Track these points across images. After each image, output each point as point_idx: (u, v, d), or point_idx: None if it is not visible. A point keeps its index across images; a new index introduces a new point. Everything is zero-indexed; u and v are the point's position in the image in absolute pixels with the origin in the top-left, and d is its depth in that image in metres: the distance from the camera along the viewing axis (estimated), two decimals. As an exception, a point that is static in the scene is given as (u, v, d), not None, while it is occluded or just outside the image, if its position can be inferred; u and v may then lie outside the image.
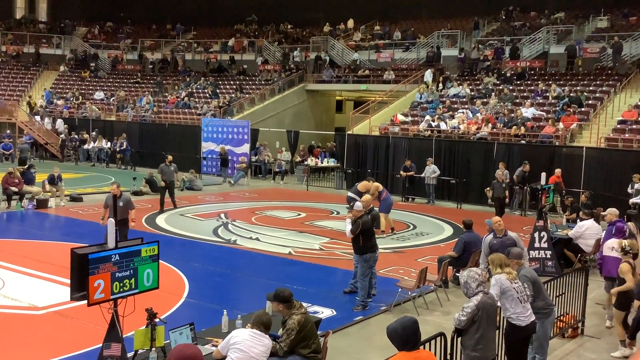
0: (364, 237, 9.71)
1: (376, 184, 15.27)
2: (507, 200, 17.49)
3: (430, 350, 6.25)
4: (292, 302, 6.31)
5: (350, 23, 36.75)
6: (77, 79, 37.84)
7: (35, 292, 10.05)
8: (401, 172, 21.31)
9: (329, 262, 12.81)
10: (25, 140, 27.97)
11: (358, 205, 10.19)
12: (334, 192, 23.44)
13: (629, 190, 16.83)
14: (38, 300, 9.59)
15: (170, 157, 18.71)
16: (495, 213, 16.12)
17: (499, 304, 6.66)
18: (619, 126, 20.66)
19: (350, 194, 15.43)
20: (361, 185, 15.17)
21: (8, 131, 31.09)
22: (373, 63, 32.25)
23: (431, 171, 20.72)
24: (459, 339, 6.34)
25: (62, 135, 30.75)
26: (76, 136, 30.66)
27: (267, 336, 5.83)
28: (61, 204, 18.24)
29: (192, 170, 23.89)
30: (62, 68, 38.52)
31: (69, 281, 5.67)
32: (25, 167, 19.42)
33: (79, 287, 5.53)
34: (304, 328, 6.17)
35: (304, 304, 9.11)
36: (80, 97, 34.76)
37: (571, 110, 21.84)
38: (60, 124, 31.53)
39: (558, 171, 18.21)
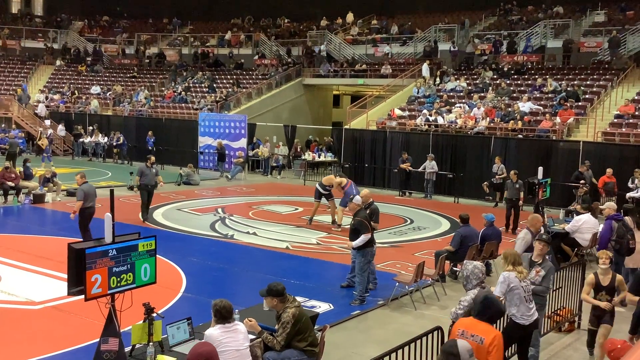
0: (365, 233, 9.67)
1: (339, 179, 15.78)
2: (521, 202, 15.79)
3: (426, 344, 6.28)
4: (286, 295, 6.31)
5: (350, 17, 36.68)
6: (74, 73, 37.74)
7: (32, 287, 10.04)
8: (400, 166, 21.33)
9: (326, 257, 12.82)
10: (14, 135, 27.85)
11: (357, 198, 10.21)
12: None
13: (630, 184, 16.85)
14: (35, 295, 9.58)
15: (152, 159, 16.22)
16: (506, 215, 15.63)
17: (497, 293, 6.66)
18: (615, 120, 20.68)
19: (317, 186, 16.22)
20: (325, 179, 16.18)
21: (3, 125, 31.00)
22: (370, 57, 32.21)
23: (431, 166, 20.75)
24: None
25: (41, 129, 30.57)
26: (50, 130, 30.32)
27: (237, 322, 5.82)
28: (57, 199, 18.21)
29: (191, 164, 23.86)
30: (58, 62, 38.40)
31: (66, 276, 5.67)
32: (23, 162, 19.34)
33: (76, 281, 5.53)
34: (299, 321, 6.18)
35: (301, 298, 9.15)
36: (76, 91, 34.66)
37: (568, 104, 21.85)
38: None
39: (609, 171, 17.57)
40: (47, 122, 31.35)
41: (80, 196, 12.22)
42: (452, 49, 29.47)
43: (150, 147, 27.28)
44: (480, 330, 5.12)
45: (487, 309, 5.26)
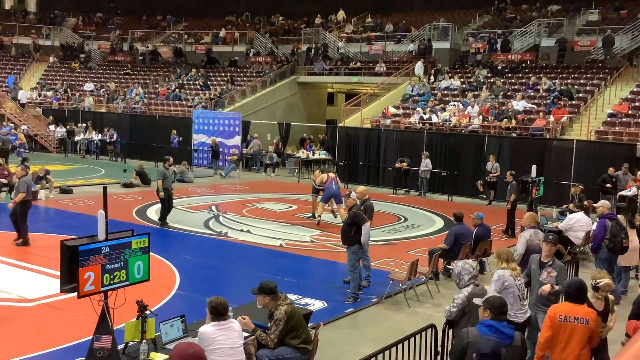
0: (355, 228, 9.67)
1: (322, 175, 16.25)
2: (508, 205, 14.96)
3: (420, 342, 6.29)
4: (278, 293, 6.31)
5: (340, 15, 36.66)
6: (67, 70, 37.58)
7: (25, 284, 10.01)
8: (397, 165, 21.40)
9: (320, 255, 12.82)
10: (7, 132, 27.66)
11: (354, 194, 10.20)
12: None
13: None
14: (28, 292, 9.54)
15: (171, 160, 15.55)
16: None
17: (490, 291, 6.68)
18: (609, 119, 20.75)
19: (313, 182, 16.88)
20: (314, 176, 16.88)
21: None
22: (365, 55, 32.19)
23: (425, 164, 20.80)
24: (450, 330, 6.37)
25: (12, 125, 30.18)
26: (24, 126, 29.83)
27: (232, 320, 5.80)
28: (50, 196, 18.14)
29: (185, 162, 23.77)
30: (51, 59, 38.23)
31: (59, 273, 5.64)
32: (21, 161, 19.18)
33: (69, 279, 5.51)
34: (291, 318, 6.19)
35: (295, 296, 9.15)
36: (68, 88, 34.47)
37: (562, 103, 21.92)
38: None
39: None
40: (52, 127, 31.05)
41: (23, 188, 12.32)
42: (417, 48, 30.01)
43: (175, 147, 26.45)
44: (583, 313, 5.67)
45: (583, 293, 5.82)
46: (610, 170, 17.46)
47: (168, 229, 14.65)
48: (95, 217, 5.80)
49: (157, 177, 14.91)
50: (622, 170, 17.43)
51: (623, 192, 16.23)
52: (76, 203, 17.33)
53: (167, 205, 14.94)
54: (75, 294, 5.50)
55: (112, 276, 5.68)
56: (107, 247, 5.64)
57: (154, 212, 16.49)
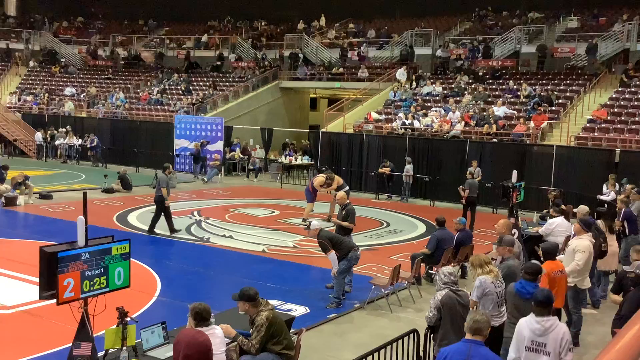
0: (335, 247, 9.65)
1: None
2: (463, 200, 15.34)
3: (402, 347, 6.32)
4: (258, 300, 6.30)
5: (322, 20, 36.74)
6: (47, 74, 37.23)
7: (4, 291, 9.88)
8: (380, 170, 21.49)
9: (303, 260, 12.81)
10: None
11: (314, 224, 10.04)
12: (307, 189, 23.37)
13: (605, 190, 16.89)
14: (6, 299, 9.42)
15: (171, 167, 15.30)
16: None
17: (473, 298, 6.73)
18: (588, 125, 20.99)
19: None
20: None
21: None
22: (347, 61, 32.27)
23: (406, 170, 20.88)
24: (432, 335, 6.43)
25: None
26: None
27: (214, 326, 5.79)
28: (30, 202, 17.94)
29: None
30: (31, 63, 37.86)
31: (38, 280, 5.58)
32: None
33: (48, 285, 5.45)
34: (273, 324, 6.18)
35: (277, 302, 9.15)
36: (47, 93, 34.09)
37: (542, 109, 22.14)
38: None
39: None
40: (40, 137, 30.60)
41: None
42: (361, 53, 30.66)
43: (204, 155, 25.68)
44: (560, 266, 7.72)
45: (555, 252, 7.99)
46: None
47: (154, 235, 14.54)
48: (75, 223, 5.75)
49: (160, 185, 14.45)
50: None
51: (602, 197, 16.38)
52: (56, 209, 17.15)
53: (160, 214, 14.70)
54: (55, 300, 5.44)
55: (92, 283, 5.63)
56: (87, 254, 5.58)
57: (135, 218, 16.39)
